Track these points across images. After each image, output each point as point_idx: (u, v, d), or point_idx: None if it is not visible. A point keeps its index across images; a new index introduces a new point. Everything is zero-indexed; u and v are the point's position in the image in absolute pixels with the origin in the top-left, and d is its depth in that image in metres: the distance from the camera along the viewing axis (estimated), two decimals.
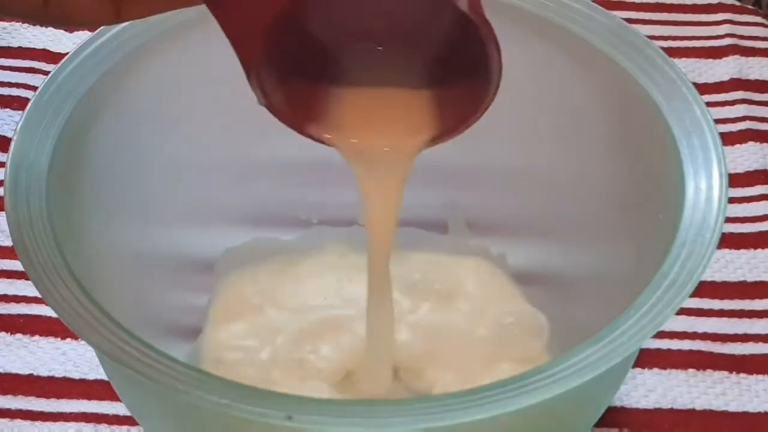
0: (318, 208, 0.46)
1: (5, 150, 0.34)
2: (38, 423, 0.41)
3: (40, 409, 0.42)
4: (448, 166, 0.43)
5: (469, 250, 0.45)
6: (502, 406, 0.27)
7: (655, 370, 0.44)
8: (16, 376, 0.43)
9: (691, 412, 0.42)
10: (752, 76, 0.57)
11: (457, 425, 0.27)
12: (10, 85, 0.56)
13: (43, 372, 0.43)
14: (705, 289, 0.47)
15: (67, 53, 0.36)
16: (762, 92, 0.56)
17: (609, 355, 0.28)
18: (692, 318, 0.45)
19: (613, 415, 0.42)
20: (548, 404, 0.28)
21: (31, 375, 0.43)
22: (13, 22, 0.59)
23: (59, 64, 0.36)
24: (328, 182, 0.44)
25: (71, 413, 0.42)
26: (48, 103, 0.35)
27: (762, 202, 0.50)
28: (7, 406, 0.42)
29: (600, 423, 0.40)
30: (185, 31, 0.38)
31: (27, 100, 0.35)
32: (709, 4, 0.62)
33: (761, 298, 0.46)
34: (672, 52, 0.38)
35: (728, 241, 0.49)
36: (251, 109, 0.42)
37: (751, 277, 0.47)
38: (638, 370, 0.44)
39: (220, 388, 0.28)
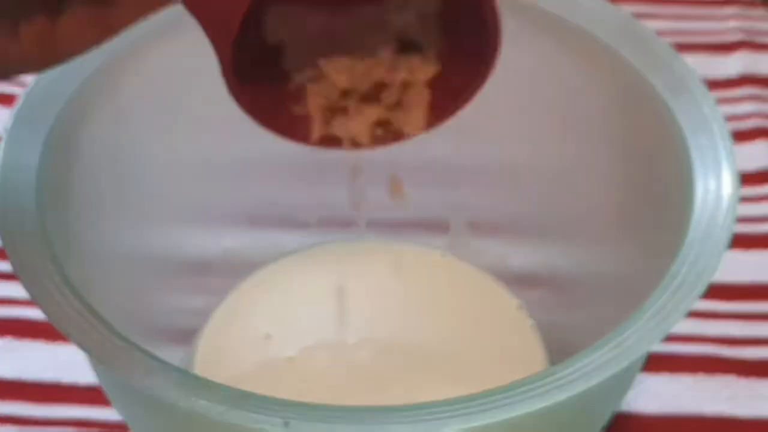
0: (318, 208, 0.46)
1: None
2: (27, 428, 0.41)
3: (28, 414, 0.42)
4: (450, 165, 0.43)
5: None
6: (507, 411, 0.27)
7: (664, 374, 0.43)
8: (4, 380, 0.43)
9: (700, 418, 0.42)
10: (762, 72, 0.57)
11: (459, 431, 0.27)
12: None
13: (33, 376, 0.43)
14: (714, 290, 0.46)
15: None
16: None
17: (616, 359, 0.28)
18: (701, 321, 0.45)
19: (621, 420, 0.42)
20: (554, 409, 0.27)
21: (20, 379, 0.43)
22: None
23: None
24: (328, 182, 0.43)
25: (61, 419, 0.41)
26: (38, 101, 0.35)
27: None
28: None
29: (607, 428, 0.39)
30: (180, 28, 0.37)
31: (16, 97, 0.35)
32: None
33: None
34: (680, 48, 0.38)
35: (738, 241, 0.48)
36: None
37: (761, 279, 0.47)
38: (646, 374, 0.43)
39: (215, 393, 0.27)
